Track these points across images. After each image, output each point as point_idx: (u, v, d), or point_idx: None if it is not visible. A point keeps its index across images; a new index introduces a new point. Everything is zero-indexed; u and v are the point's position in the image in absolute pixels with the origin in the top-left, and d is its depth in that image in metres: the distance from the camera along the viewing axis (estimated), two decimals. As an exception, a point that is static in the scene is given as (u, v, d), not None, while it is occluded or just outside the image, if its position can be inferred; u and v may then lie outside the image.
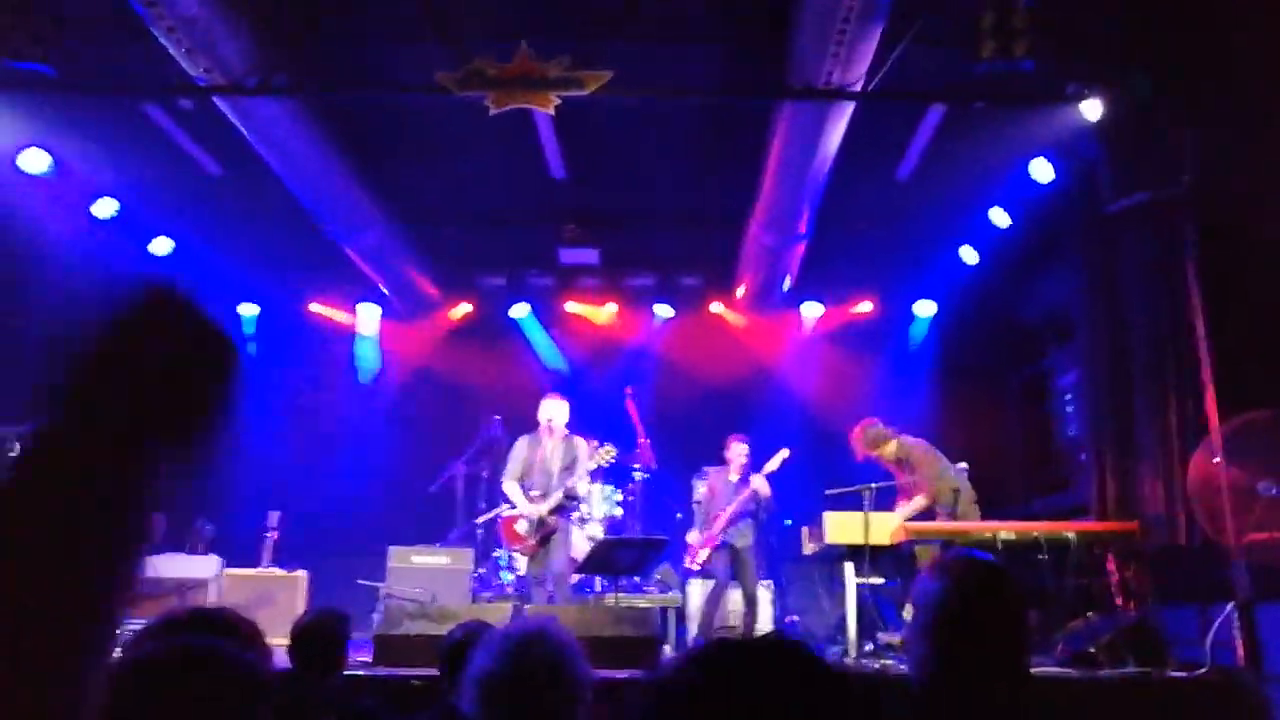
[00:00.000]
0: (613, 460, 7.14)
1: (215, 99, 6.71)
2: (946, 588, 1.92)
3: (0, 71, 6.38)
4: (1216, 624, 4.96)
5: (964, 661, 1.88)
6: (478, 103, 6.42)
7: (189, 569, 7.14)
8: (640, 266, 10.46)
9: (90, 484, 0.66)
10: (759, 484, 7.27)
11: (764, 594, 7.59)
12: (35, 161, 7.53)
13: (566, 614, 6.00)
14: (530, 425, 7.12)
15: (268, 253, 9.56)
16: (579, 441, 7.02)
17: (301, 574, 7.03)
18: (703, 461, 7.95)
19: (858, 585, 6.58)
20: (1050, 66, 6.20)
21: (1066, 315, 8.56)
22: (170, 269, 8.96)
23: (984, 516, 6.84)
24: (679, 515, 8.66)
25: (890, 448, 7.12)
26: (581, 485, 7.05)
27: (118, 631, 0.72)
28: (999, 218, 8.46)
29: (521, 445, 7.09)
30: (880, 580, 6.90)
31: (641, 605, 7.35)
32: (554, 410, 6.98)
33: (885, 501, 6.94)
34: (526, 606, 6.29)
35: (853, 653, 6.25)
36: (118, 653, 1.36)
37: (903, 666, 5.29)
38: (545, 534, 6.79)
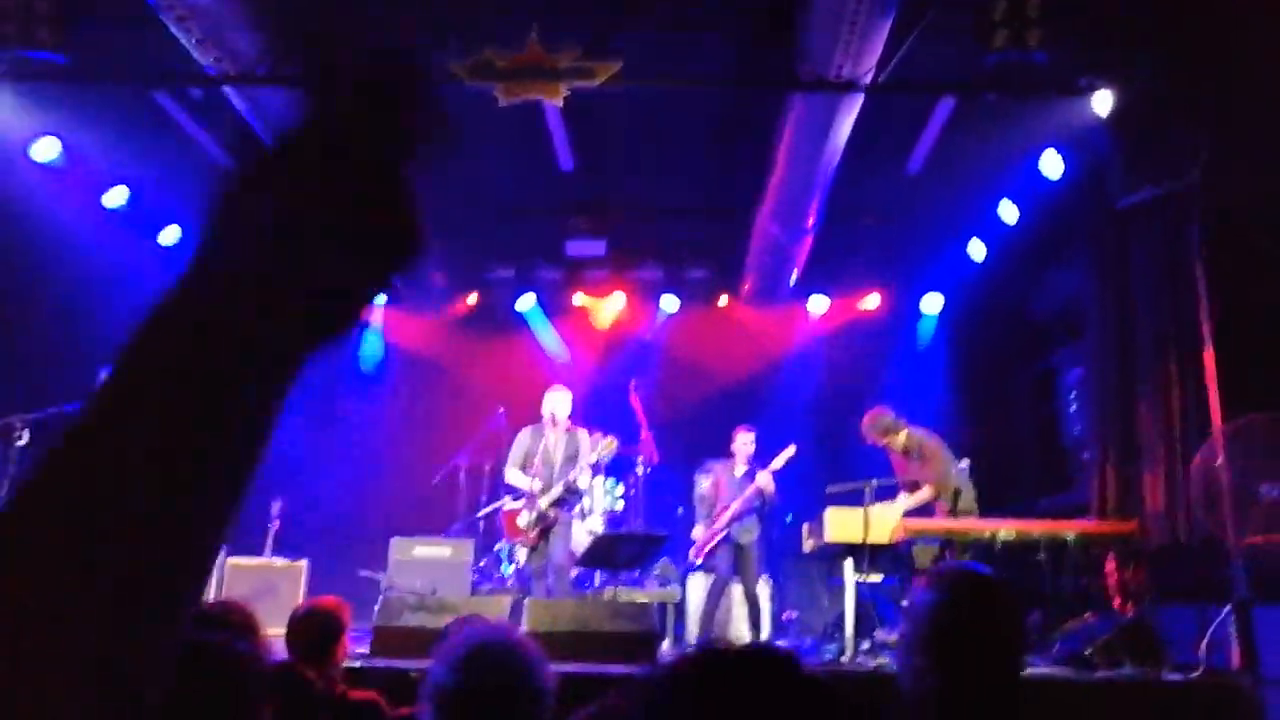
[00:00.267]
0: (613, 453, 7.15)
1: (226, 88, 6.74)
2: (940, 600, 1.91)
3: (12, 60, 6.43)
4: (1213, 626, 4.94)
5: (957, 674, 1.86)
6: (487, 94, 6.43)
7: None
8: (648, 259, 10.46)
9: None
10: (764, 481, 7.23)
11: (763, 589, 7.58)
12: (47, 150, 7.59)
13: (564, 608, 6.03)
14: (534, 418, 7.15)
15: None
16: (582, 434, 7.03)
17: (303, 564, 7.07)
18: (706, 456, 7.91)
19: (856, 583, 6.58)
20: (1062, 58, 6.15)
21: (1077, 311, 8.48)
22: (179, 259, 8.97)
23: (985, 514, 6.83)
24: (680, 510, 8.64)
25: (900, 438, 7.10)
26: (583, 478, 7.06)
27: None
28: (1008, 212, 8.41)
29: (524, 436, 7.12)
30: (879, 577, 6.89)
31: (640, 600, 7.36)
32: (557, 402, 7.00)
33: (886, 498, 6.92)
34: (526, 600, 6.32)
35: (850, 650, 6.26)
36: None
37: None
38: (546, 527, 6.81)
